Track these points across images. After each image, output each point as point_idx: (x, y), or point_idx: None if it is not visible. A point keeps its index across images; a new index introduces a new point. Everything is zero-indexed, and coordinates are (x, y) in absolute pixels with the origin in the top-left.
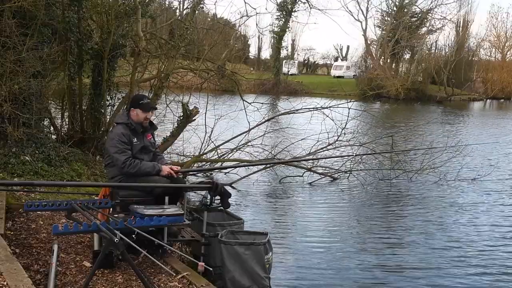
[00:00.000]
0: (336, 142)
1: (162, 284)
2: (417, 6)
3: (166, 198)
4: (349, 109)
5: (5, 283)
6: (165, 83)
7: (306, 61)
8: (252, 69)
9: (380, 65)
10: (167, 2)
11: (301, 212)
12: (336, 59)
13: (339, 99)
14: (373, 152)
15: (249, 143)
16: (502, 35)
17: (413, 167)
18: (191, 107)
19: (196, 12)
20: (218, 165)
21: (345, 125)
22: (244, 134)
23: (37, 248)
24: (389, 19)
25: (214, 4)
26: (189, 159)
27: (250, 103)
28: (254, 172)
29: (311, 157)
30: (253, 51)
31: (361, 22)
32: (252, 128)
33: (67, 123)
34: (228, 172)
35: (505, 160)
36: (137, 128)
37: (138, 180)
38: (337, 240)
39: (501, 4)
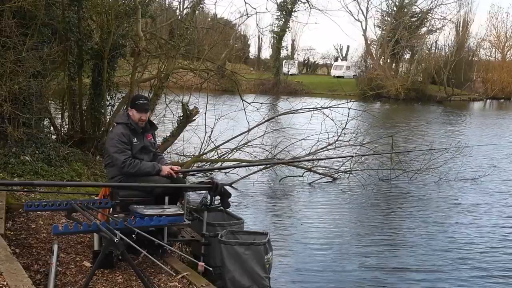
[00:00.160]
0: (336, 142)
1: (162, 284)
2: (417, 6)
3: (166, 198)
4: (349, 109)
5: (5, 283)
6: (165, 83)
7: (306, 61)
8: (252, 69)
9: (380, 65)
10: (167, 2)
11: (301, 212)
12: (336, 59)
13: (339, 99)
14: (373, 152)
15: (249, 143)
16: (502, 35)
17: (413, 167)
18: (191, 107)
19: (196, 12)
20: (218, 165)
21: (345, 125)
22: (244, 134)
23: (37, 248)
24: (389, 19)
25: (214, 4)
26: (189, 159)
27: (249, 103)
28: (254, 172)
29: (311, 157)
30: (253, 51)
31: (361, 22)
32: (252, 128)
33: (67, 123)
34: (228, 172)
35: (505, 160)
36: (136, 128)
37: (138, 180)
38: (337, 240)
39: (501, 4)
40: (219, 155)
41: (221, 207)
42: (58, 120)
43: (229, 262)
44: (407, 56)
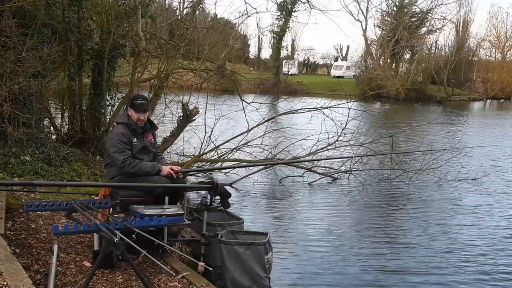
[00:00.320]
0: (336, 142)
1: (162, 284)
2: (417, 6)
3: (166, 198)
4: (349, 109)
5: (5, 283)
6: (165, 83)
7: (306, 61)
8: (252, 69)
9: (380, 65)
10: (167, 2)
11: (301, 212)
12: (336, 59)
13: (339, 99)
14: (373, 153)
15: (249, 143)
16: (502, 35)
17: (413, 167)
18: (191, 107)
19: (197, 12)
20: (218, 165)
21: (345, 125)
22: (244, 134)
23: (37, 248)
24: (389, 19)
25: (214, 4)
26: (189, 159)
27: (249, 103)
28: (254, 172)
29: (310, 158)
30: (253, 51)
31: (361, 22)
32: (252, 128)
33: (67, 123)
34: (228, 172)
35: (505, 160)
36: (136, 128)
37: (138, 180)
38: (337, 240)
39: (501, 4)
40: (219, 155)
41: (221, 207)
42: (58, 120)
43: (229, 262)
44: (407, 56)
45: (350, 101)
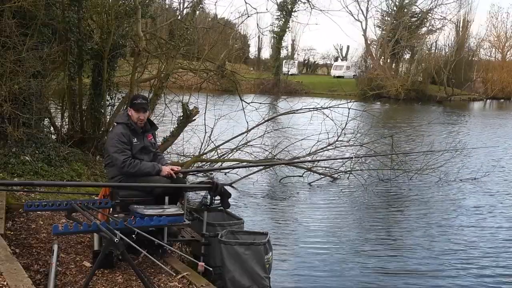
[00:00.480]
0: (336, 142)
1: (162, 284)
2: (417, 6)
3: (166, 198)
4: (349, 109)
5: (5, 283)
6: (165, 83)
7: (306, 61)
8: (252, 69)
9: (380, 65)
10: (167, 2)
11: (301, 212)
12: (336, 59)
13: (339, 99)
14: (373, 154)
15: (249, 143)
16: (502, 35)
17: (413, 167)
18: (191, 107)
19: (197, 12)
20: (218, 165)
21: (345, 125)
22: (244, 134)
23: (37, 248)
24: (389, 19)
25: (214, 4)
26: (189, 159)
27: (248, 103)
28: (254, 172)
29: (310, 158)
30: (253, 51)
31: (361, 22)
32: (252, 128)
33: (67, 123)
34: (228, 172)
35: (508, 161)
36: (136, 128)
37: (138, 180)
38: (337, 240)
39: (501, 4)
40: (219, 155)
41: (221, 207)
42: (58, 120)
43: (229, 262)
44: (407, 56)
45: (350, 101)
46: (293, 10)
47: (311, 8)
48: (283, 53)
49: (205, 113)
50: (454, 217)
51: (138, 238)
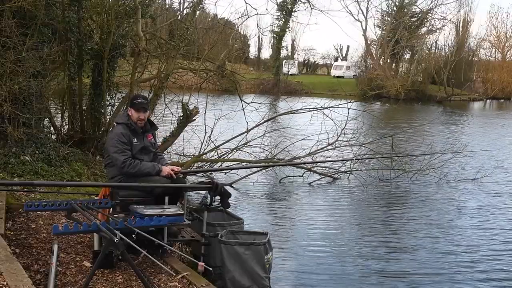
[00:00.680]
0: (336, 142)
1: (162, 284)
2: (417, 6)
3: (166, 198)
4: (349, 109)
5: (5, 283)
6: (165, 83)
7: (306, 61)
8: (252, 69)
9: (380, 65)
10: (167, 2)
11: (301, 212)
12: (336, 59)
13: (339, 99)
14: (373, 154)
15: (249, 143)
16: (502, 35)
17: (413, 167)
18: (191, 107)
19: (197, 12)
20: (218, 165)
21: (345, 125)
22: (244, 134)
23: (37, 248)
24: (389, 19)
25: (215, 4)
26: (189, 159)
27: (248, 103)
28: (254, 172)
29: (310, 158)
30: (253, 51)
31: (361, 22)
32: (252, 128)
33: (67, 123)
34: (228, 172)
35: (506, 161)
36: (136, 129)
37: (138, 180)
38: (337, 240)
39: (501, 4)
40: (219, 155)
41: (221, 207)
42: (58, 120)
43: (229, 262)
44: (407, 56)
45: (350, 101)
46: (293, 10)
47: (311, 9)
48: (283, 53)
49: (205, 113)
50: (455, 217)
51: (138, 238)
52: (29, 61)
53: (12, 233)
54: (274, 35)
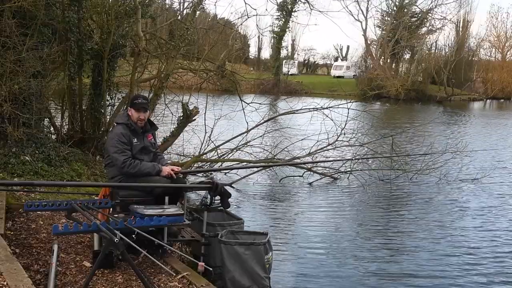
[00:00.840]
0: (336, 142)
1: (162, 284)
2: (417, 6)
3: (166, 198)
4: (348, 109)
5: (5, 283)
6: (165, 83)
7: (306, 61)
8: (252, 69)
9: (380, 65)
10: (167, 2)
11: (301, 212)
12: (336, 59)
13: (339, 99)
14: (373, 155)
15: (249, 143)
16: (502, 35)
17: (414, 167)
18: (191, 107)
19: (197, 12)
20: (218, 165)
21: (345, 126)
22: (244, 134)
23: (37, 248)
24: (389, 19)
25: (214, 4)
26: (189, 159)
27: (248, 103)
28: (254, 172)
29: (310, 158)
30: (253, 51)
31: (361, 22)
32: (252, 128)
33: (67, 123)
34: (228, 172)
35: (506, 161)
36: (136, 129)
37: (138, 180)
38: (337, 240)
39: (501, 4)
40: (219, 155)
41: (221, 207)
42: (58, 120)
43: (229, 262)
44: (407, 56)
45: (350, 101)
46: (293, 10)
47: (311, 9)
48: (283, 53)
49: (205, 113)
50: (455, 218)
51: (138, 238)
52: (29, 61)
53: (12, 233)
54: (274, 35)
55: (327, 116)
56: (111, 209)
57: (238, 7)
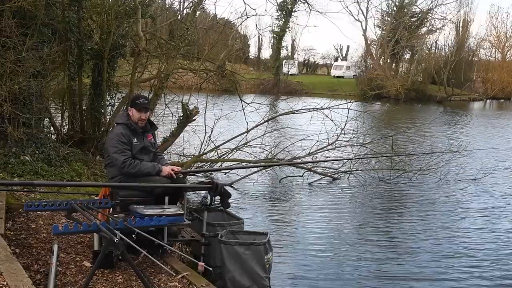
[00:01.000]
0: (336, 142)
1: (162, 284)
2: (417, 6)
3: (166, 198)
4: (348, 109)
5: (5, 283)
6: (165, 83)
7: (306, 61)
8: (252, 69)
9: (380, 65)
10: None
11: (301, 213)
12: (336, 59)
13: (339, 99)
14: (373, 155)
15: (249, 143)
16: (502, 35)
17: (414, 167)
18: (191, 107)
19: (197, 12)
20: (218, 165)
21: (345, 125)
22: (244, 134)
23: (37, 248)
24: (389, 19)
25: (214, 4)
26: (189, 159)
27: (248, 104)
28: (254, 172)
29: (310, 158)
30: (253, 51)
31: (361, 22)
32: (252, 128)
33: (67, 123)
34: (228, 172)
35: (507, 161)
36: (136, 129)
37: (138, 180)
38: (337, 241)
39: (501, 4)
40: (219, 155)
41: (221, 207)
42: (58, 120)
43: (229, 262)
44: (407, 56)
45: (350, 101)
46: (293, 10)
47: (310, 10)
48: (283, 53)
49: (205, 113)
50: (455, 218)
51: (138, 238)
52: (29, 61)
53: (12, 233)
54: (274, 35)
55: (327, 116)
56: (111, 209)
57: (238, 7)
